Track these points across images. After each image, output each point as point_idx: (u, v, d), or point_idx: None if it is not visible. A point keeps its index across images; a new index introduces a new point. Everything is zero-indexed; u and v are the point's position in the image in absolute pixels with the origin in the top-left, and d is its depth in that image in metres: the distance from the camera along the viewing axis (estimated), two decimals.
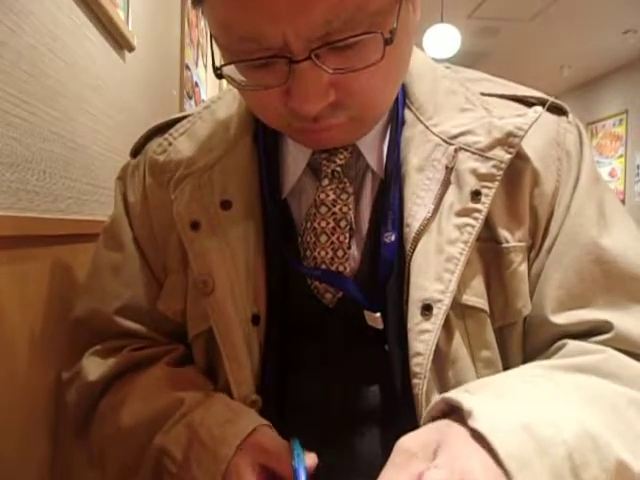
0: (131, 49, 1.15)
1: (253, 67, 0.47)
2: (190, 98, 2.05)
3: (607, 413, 0.46)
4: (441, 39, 4.00)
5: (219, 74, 0.48)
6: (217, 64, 0.49)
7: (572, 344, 0.54)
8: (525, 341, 0.58)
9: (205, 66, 2.54)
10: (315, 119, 0.49)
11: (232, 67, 0.48)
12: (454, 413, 0.44)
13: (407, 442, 0.43)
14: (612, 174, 5.73)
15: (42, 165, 0.71)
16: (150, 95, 1.39)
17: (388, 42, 0.44)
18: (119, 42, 1.07)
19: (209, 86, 2.69)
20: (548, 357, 0.55)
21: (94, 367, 0.62)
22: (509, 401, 0.44)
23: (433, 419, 0.46)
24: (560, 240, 0.56)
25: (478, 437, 0.40)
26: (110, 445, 0.58)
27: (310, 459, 0.48)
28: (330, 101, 0.47)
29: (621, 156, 5.69)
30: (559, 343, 0.55)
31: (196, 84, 2.23)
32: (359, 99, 0.49)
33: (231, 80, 0.49)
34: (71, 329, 0.66)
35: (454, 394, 0.45)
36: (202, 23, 2.42)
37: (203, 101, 2.41)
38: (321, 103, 0.47)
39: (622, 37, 4.79)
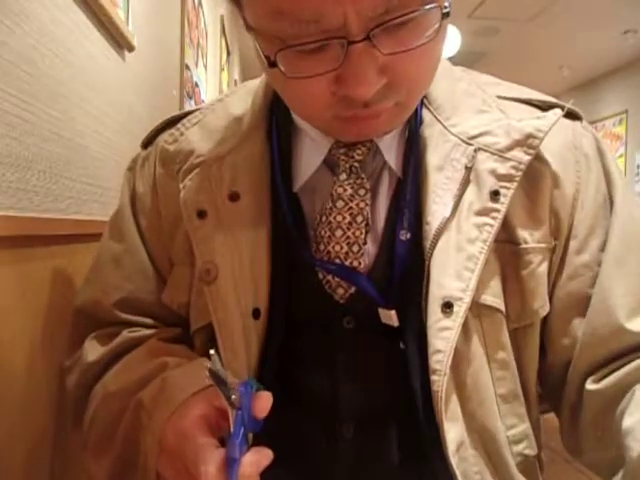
0: (131, 49, 1.15)
1: (305, 53, 0.46)
2: (190, 98, 2.05)
3: None
4: None
5: (273, 62, 0.47)
6: (266, 54, 0.47)
7: None
8: (586, 352, 0.56)
9: (205, 66, 2.54)
10: (366, 104, 0.48)
11: (279, 59, 0.47)
12: None
13: None
14: None
15: (42, 165, 0.71)
16: (150, 95, 1.39)
17: (445, 15, 0.45)
18: (119, 42, 1.07)
19: (209, 86, 2.70)
20: (636, 372, 0.54)
21: (94, 349, 0.63)
22: None
23: None
24: (616, 244, 0.56)
25: None
26: (95, 415, 0.59)
27: (261, 400, 0.45)
28: (382, 84, 0.47)
29: (621, 156, 5.69)
30: None
31: (196, 84, 2.23)
32: (407, 81, 0.49)
33: (279, 72, 0.47)
34: (73, 319, 0.67)
35: None
36: (202, 23, 2.42)
37: (203, 101, 2.41)
38: (375, 86, 0.47)
39: (622, 37, 4.78)
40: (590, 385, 0.55)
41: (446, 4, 0.45)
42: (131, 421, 0.53)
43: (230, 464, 0.41)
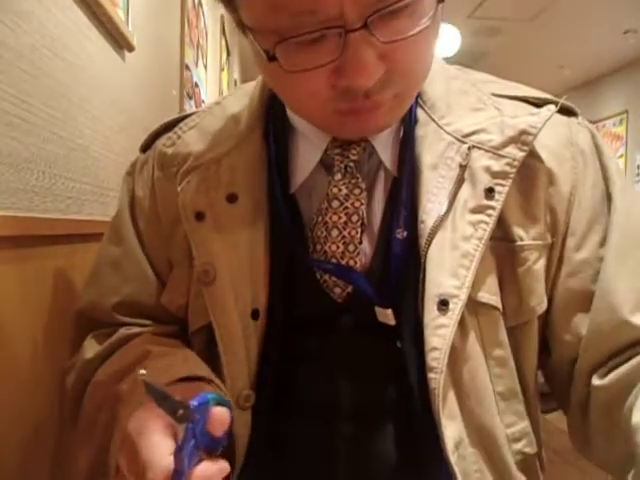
0: (131, 49, 1.15)
1: (302, 45, 0.46)
2: (190, 98, 2.05)
3: None
4: (441, 39, 4.00)
5: (272, 56, 0.46)
6: (265, 48, 0.47)
7: None
8: (589, 348, 0.56)
9: (205, 66, 2.54)
10: (366, 95, 0.49)
11: (277, 52, 0.47)
12: None
13: None
14: None
15: (42, 165, 0.71)
16: (150, 95, 1.39)
17: (440, 0, 0.45)
18: (119, 42, 1.07)
19: (209, 86, 2.70)
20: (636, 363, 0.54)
21: (91, 347, 0.63)
22: None
23: None
24: (617, 240, 0.56)
25: None
26: (83, 406, 0.59)
27: (214, 415, 0.42)
28: (381, 73, 0.47)
29: (621, 156, 5.69)
30: None
31: (196, 84, 2.23)
32: (406, 71, 0.49)
33: (278, 68, 0.47)
34: (73, 322, 0.67)
35: None
36: (202, 23, 2.42)
37: (203, 101, 2.41)
38: (375, 75, 0.47)
39: (622, 37, 4.78)
40: (596, 381, 0.55)
41: None
42: (110, 412, 0.52)
43: (177, 476, 0.40)
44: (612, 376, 0.54)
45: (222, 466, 0.42)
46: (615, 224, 0.56)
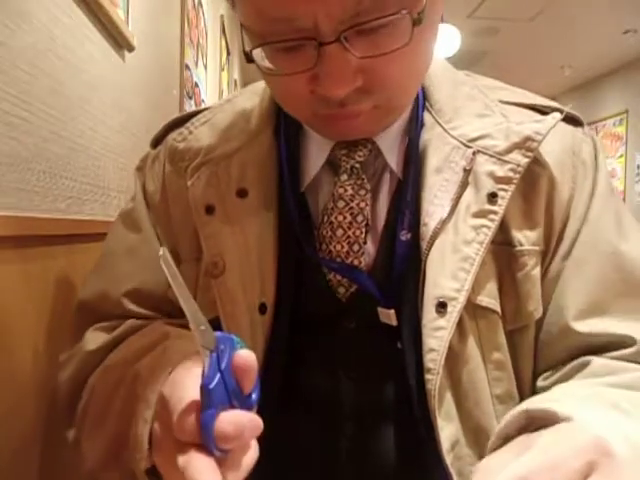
0: (131, 49, 1.15)
1: (282, 51, 0.47)
2: (190, 98, 2.05)
3: None
4: (441, 39, 4.00)
5: (249, 58, 0.48)
6: (246, 49, 0.49)
7: (597, 362, 0.53)
8: (543, 350, 0.57)
9: (205, 66, 2.54)
10: (342, 104, 0.49)
11: (261, 54, 0.49)
12: (539, 425, 0.39)
13: (485, 462, 0.37)
14: (612, 174, 5.73)
15: (42, 165, 0.71)
16: (150, 95, 1.39)
17: (416, 23, 0.45)
18: (119, 42, 1.07)
19: (209, 86, 2.70)
20: (571, 371, 0.54)
21: (95, 338, 0.61)
22: (594, 412, 0.39)
23: (507, 439, 0.40)
24: (579, 248, 0.57)
25: None
26: (92, 394, 0.56)
27: (241, 358, 0.38)
28: (357, 86, 0.48)
29: (621, 156, 5.69)
30: (583, 360, 0.54)
31: (196, 84, 2.23)
32: (385, 85, 0.49)
33: (259, 66, 0.50)
34: (76, 313, 0.66)
35: (538, 405, 0.40)
36: (202, 23, 2.42)
37: (203, 101, 2.41)
38: (348, 87, 0.47)
39: (622, 37, 4.79)
40: (539, 382, 0.57)
41: (419, 12, 0.44)
42: (126, 394, 0.50)
43: (204, 418, 0.34)
44: (552, 378, 0.56)
45: (254, 420, 0.38)
46: (582, 232, 0.57)
